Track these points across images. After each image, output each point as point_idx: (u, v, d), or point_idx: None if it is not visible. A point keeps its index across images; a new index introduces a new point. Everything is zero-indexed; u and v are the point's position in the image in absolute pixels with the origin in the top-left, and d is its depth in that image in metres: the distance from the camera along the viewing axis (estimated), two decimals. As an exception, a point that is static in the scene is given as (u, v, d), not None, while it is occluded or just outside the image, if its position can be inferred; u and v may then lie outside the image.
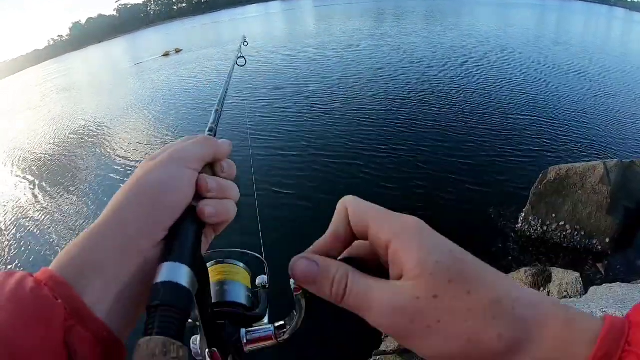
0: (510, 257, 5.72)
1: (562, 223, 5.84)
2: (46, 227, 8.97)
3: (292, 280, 0.42)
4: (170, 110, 15.36)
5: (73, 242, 0.43)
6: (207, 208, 0.49)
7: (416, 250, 0.34)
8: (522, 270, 4.91)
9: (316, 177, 8.10)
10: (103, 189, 9.96)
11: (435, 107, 10.44)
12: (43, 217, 9.45)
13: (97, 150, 12.89)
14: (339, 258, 0.42)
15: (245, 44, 1.82)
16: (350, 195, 0.42)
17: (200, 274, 0.45)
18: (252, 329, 0.65)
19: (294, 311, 0.59)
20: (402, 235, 0.36)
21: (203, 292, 0.49)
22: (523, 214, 6.14)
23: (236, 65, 1.41)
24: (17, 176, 12.90)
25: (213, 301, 0.66)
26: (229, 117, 10.18)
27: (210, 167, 0.56)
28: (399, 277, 0.35)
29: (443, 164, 7.94)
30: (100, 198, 9.52)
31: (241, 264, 0.73)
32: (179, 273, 0.40)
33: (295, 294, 0.51)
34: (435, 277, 0.33)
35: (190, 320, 0.58)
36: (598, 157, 7.43)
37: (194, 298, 0.43)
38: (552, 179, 5.89)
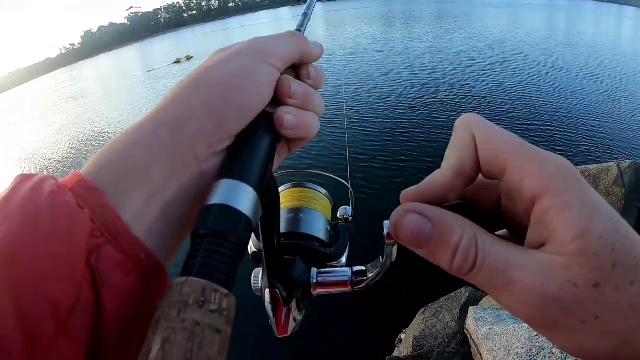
0: None
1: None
2: None
3: (386, 224, 0.34)
4: None
5: (112, 141, 0.35)
6: (288, 116, 0.40)
7: (578, 216, 0.26)
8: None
9: (413, 106, 8.07)
10: None
11: (439, 111, 10.49)
12: None
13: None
14: (446, 205, 0.33)
15: None
16: (476, 115, 0.33)
17: (269, 198, 0.39)
18: (326, 269, 0.54)
19: (380, 258, 0.47)
20: (559, 189, 0.27)
21: (271, 221, 0.43)
22: None
23: None
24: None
25: (284, 231, 0.58)
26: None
27: (294, 70, 0.46)
28: (541, 244, 0.28)
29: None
30: None
31: (323, 190, 0.62)
32: (239, 195, 0.33)
33: (386, 242, 0.39)
34: (599, 258, 0.25)
35: (255, 249, 0.55)
36: (611, 158, 7.41)
37: (257, 228, 0.37)
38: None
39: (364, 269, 0.52)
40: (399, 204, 0.33)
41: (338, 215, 0.66)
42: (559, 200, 0.26)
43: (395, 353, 3.93)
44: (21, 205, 0.29)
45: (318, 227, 0.58)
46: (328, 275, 0.54)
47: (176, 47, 56.67)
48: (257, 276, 0.55)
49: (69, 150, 15.36)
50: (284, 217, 0.60)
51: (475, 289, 3.91)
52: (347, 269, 0.53)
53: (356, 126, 7.04)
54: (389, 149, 6.99)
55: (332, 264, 0.58)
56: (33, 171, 13.55)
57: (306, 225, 0.57)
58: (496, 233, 0.31)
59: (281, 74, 0.42)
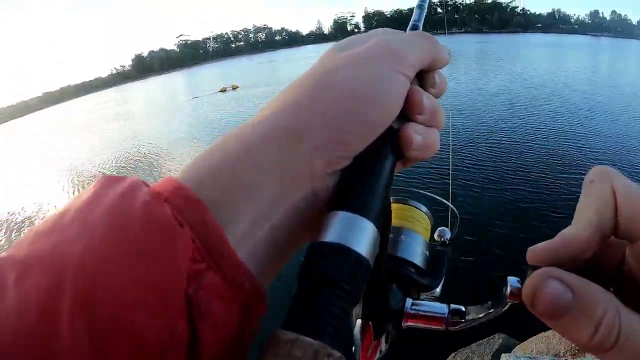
0: None
1: None
2: None
3: (510, 280, 0.31)
4: None
5: (215, 145, 0.31)
6: (417, 137, 0.35)
7: None
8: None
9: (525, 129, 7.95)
10: None
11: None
12: None
13: (152, 174, 13.41)
14: (578, 268, 0.29)
15: None
16: (612, 169, 0.30)
17: (384, 230, 0.33)
18: (421, 301, 0.48)
19: (490, 303, 0.40)
20: None
21: (381, 248, 0.35)
22: None
23: None
24: (74, 189, 13.83)
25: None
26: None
27: (419, 77, 0.40)
28: None
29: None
30: None
31: (424, 209, 0.56)
32: (360, 234, 0.29)
33: (507, 301, 0.33)
34: None
35: None
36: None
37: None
38: None
39: (463, 309, 0.45)
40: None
41: (435, 236, 0.58)
42: None
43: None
44: (108, 215, 0.24)
45: (417, 251, 0.51)
46: (423, 307, 0.48)
47: (222, 76, 58.47)
48: None
49: (108, 167, 15.96)
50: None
51: (508, 335, 3.78)
52: (445, 305, 0.47)
53: (462, 151, 6.86)
54: (500, 173, 6.94)
55: (427, 294, 0.51)
56: (70, 184, 14.15)
57: (405, 249, 0.50)
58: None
59: (411, 83, 0.36)
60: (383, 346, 0.48)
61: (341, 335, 0.25)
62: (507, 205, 6.60)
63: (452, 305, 0.46)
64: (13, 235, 11.56)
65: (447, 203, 0.71)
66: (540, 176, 7.91)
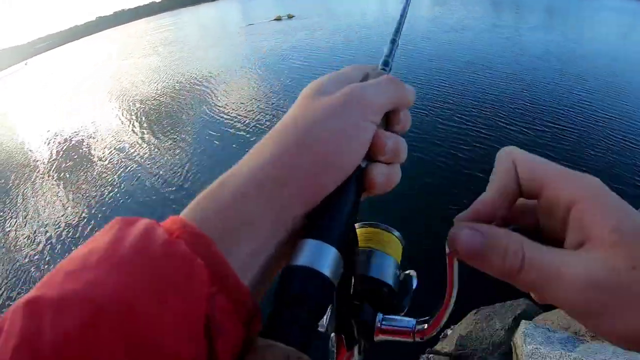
0: None
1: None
2: (148, 171, 9.72)
3: (446, 244, 0.37)
4: (273, 74, 15.75)
5: (210, 192, 0.37)
6: (379, 177, 0.43)
7: (610, 214, 0.31)
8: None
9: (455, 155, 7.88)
10: (202, 143, 10.53)
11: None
12: (145, 161, 10.32)
13: (201, 103, 13.61)
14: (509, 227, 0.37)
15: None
16: (514, 147, 0.38)
17: (348, 253, 0.40)
18: (391, 316, 0.54)
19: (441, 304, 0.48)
20: (590, 195, 0.32)
21: (346, 274, 0.42)
22: None
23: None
24: (125, 119, 14.14)
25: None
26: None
27: (385, 117, 0.46)
28: (580, 245, 0.32)
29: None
30: (197, 151, 10.10)
31: (397, 233, 0.61)
32: (323, 257, 0.35)
33: (447, 260, 0.40)
34: (634, 245, 0.30)
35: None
36: None
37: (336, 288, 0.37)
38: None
39: (427, 318, 0.52)
40: None
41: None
42: (592, 204, 0.32)
43: (437, 347, 3.93)
44: (133, 254, 0.29)
45: (389, 273, 0.56)
46: (392, 322, 0.53)
47: (279, 3, 57.50)
48: (323, 320, 0.49)
49: (162, 92, 16.36)
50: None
51: (533, 303, 3.85)
52: (412, 320, 0.53)
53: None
54: (435, 194, 6.89)
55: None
56: (126, 109, 14.61)
57: (377, 270, 0.55)
58: None
59: (378, 126, 0.44)
60: (356, 357, 0.54)
61: (310, 342, 0.31)
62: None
63: (418, 320, 0.53)
64: (68, 154, 12.19)
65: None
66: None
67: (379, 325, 0.53)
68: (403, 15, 0.71)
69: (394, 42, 0.62)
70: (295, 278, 0.34)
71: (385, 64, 0.58)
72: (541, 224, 0.37)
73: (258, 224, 0.36)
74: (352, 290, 0.51)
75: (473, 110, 9.64)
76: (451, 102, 10.24)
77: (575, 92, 10.50)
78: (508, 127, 8.73)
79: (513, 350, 3.38)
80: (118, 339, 0.25)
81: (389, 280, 0.55)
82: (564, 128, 8.61)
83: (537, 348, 3.01)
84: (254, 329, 0.32)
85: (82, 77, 27.57)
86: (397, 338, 0.53)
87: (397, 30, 0.65)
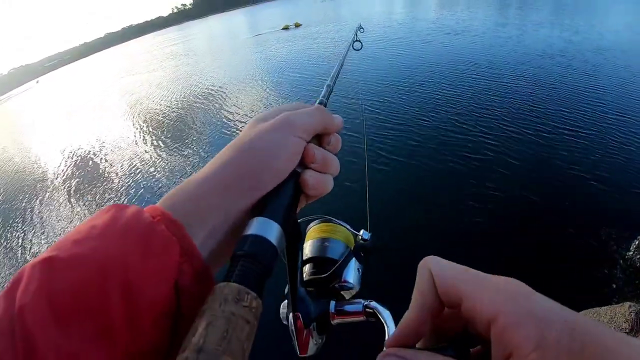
0: (614, 286, 5.02)
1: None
2: (154, 170, 10.07)
3: None
4: (282, 81, 15.83)
5: (179, 188, 0.47)
6: (310, 179, 0.52)
7: (532, 327, 0.29)
8: (626, 304, 4.29)
9: (431, 166, 7.80)
10: (208, 145, 10.76)
11: (549, 108, 9.46)
12: (152, 161, 10.59)
13: (209, 110, 13.84)
14: (433, 347, 0.37)
15: (362, 30, 1.91)
16: (432, 256, 0.39)
17: (292, 234, 0.49)
18: (343, 302, 0.70)
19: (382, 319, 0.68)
20: (510, 308, 0.31)
21: (293, 252, 0.54)
22: (636, 242, 5.45)
23: (352, 49, 1.53)
24: (136, 124, 14.50)
25: (314, 255, 0.78)
26: (342, 96, 10.58)
27: (317, 138, 0.58)
28: (507, 358, 0.30)
29: (553, 173, 7.08)
30: (203, 153, 10.34)
31: (346, 225, 0.80)
32: (267, 228, 0.43)
33: None
34: (557, 358, 0.28)
35: (286, 292, 0.68)
36: None
37: (281, 255, 0.46)
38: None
39: (373, 304, 0.71)
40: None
41: (359, 239, 0.84)
42: (511, 320, 0.30)
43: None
44: (129, 229, 0.39)
45: (338, 251, 0.77)
46: (344, 306, 0.71)
47: (285, 14, 58.12)
48: (285, 306, 0.68)
49: (172, 100, 16.56)
50: (314, 245, 0.82)
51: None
52: (360, 302, 0.70)
53: (378, 185, 7.14)
54: (409, 201, 6.88)
55: (348, 291, 0.76)
56: (137, 115, 14.69)
57: (329, 251, 0.77)
58: (472, 350, 0.38)
59: (308, 142, 0.54)
60: (317, 337, 0.67)
61: (259, 288, 0.37)
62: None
63: (365, 302, 0.70)
64: (78, 168, 12.45)
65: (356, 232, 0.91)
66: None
67: (334, 311, 0.69)
68: (339, 68, 0.92)
69: (329, 86, 0.77)
70: (246, 242, 0.41)
71: (321, 102, 0.69)
72: (471, 330, 0.37)
73: (213, 214, 0.45)
74: (304, 279, 0.70)
75: (476, 114, 9.51)
76: (455, 106, 10.18)
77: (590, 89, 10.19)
78: (523, 133, 8.54)
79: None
80: (116, 286, 0.34)
81: (338, 257, 0.76)
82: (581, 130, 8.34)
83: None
84: (209, 290, 0.37)
85: (91, 94, 28.29)
86: (351, 319, 0.69)
87: (333, 77, 0.83)
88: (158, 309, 0.36)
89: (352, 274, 0.73)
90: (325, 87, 0.75)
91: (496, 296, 0.32)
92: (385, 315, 0.64)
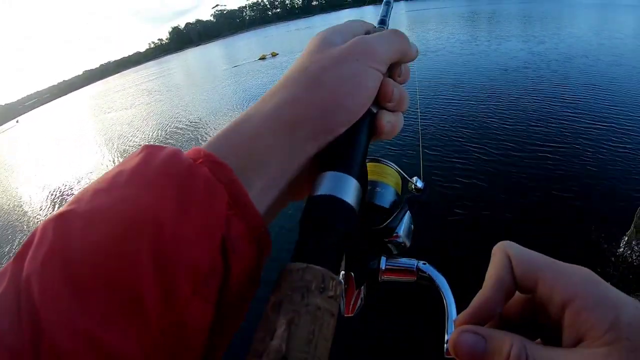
0: (609, 283, 5.09)
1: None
2: None
3: (446, 346, 0.38)
4: None
5: (228, 128, 0.40)
6: (387, 123, 0.45)
7: (607, 310, 0.31)
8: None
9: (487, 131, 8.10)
10: None
11: (535, 109, 9.77)
12: None
13: (193, 141, 13.70)
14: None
15: None
16: (508, 241, 0.39)
17: (363, 188, 0.41)
18: (394, 259, 0.59)
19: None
20: (585, 293, 0.32)
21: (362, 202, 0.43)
22: (625, 238, 5.47)
23: None
24: (115, 160, 14.38)
25: None
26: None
27: (389, 69, 0.48)
28: (577, 342, 0.32)
29: (541, 172, 7.28)
30: None
31: (394, 166, 0.66)
32: (346, 187, 0.36)
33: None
34: (632, 342, 0.29)
35: None
36: None
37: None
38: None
39: (426, 265, 0.58)
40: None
41: (408, 187, 0.69)
42: (587, 302, 0.32)
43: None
44: (163, 173, 0.32)
45: (388, 198, 0.62)
46: (396, 263, 0.58)
47: (260, 44, 58.16)
48: None
49: (153, 136, 16.53)
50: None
51: None
52: (414, 260, 0.58)
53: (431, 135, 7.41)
54: (465, 150, 7.23)
55: (395, 241, 0.61)
56: (119, 153, 14.86)
57: (379, 198, 0.61)
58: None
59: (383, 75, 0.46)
60: (363, 294, 0.57)
61: (339, 267, 0.33)
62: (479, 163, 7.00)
63: (418, 262, 0.58)
64: (57, 205, 12.28)
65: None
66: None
67: (384, 267, 0.58)
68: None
69: (388, 3, 0.65)
70: (321, 205, 0.35)
71: (382, 22, 0.60)
72: (538, 318, 0.38)
73: (270, 162, 0.38)
74: (362, 235, 0.56)
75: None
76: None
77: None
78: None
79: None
80: (146, 250, 0.27)
81: (387, 204, 0.61)
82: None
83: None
84: (265, 253, 0.35)
85: (70, 132, 27.87)
86: (401, 278, 0.58)
87: None
88: (200, 274, 0.29)
89: (404, 227, 0.61)
90: (383, 4, 0.64)
91: (572, 280, 0.33)
92: (440, 282, 0.55)
